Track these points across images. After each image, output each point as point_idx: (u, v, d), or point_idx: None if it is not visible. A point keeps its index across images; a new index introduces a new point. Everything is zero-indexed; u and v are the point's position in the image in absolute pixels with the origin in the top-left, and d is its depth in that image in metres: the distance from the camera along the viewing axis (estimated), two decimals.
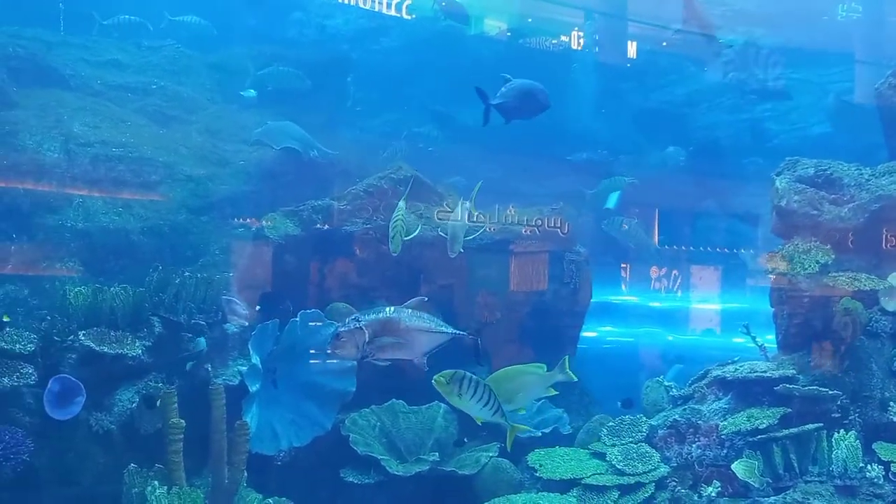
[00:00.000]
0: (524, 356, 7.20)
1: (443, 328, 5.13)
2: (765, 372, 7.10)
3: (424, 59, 11.63)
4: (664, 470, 6.82)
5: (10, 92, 7.81)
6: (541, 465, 6.94)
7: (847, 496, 6.55)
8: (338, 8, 11.84)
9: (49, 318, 6.01)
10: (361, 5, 11.63)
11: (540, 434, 7.39)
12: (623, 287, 11.67)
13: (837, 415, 6.89)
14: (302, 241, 7.67)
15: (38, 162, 7.27)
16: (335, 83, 10.80)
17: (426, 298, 5.24)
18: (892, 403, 6.96)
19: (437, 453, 6.94)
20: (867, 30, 12.32)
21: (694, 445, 6.95)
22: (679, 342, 11.18)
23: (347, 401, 7.01)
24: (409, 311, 5.06)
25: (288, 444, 6.75)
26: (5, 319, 5.84)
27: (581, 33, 12.62)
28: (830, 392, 6.86)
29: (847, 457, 6.62)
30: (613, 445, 7.11)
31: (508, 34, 12.63)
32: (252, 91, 9.91)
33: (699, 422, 7.07)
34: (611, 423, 7.36)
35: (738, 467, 6.62)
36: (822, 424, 6.76)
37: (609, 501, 6.56)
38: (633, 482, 6.70)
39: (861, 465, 6.63)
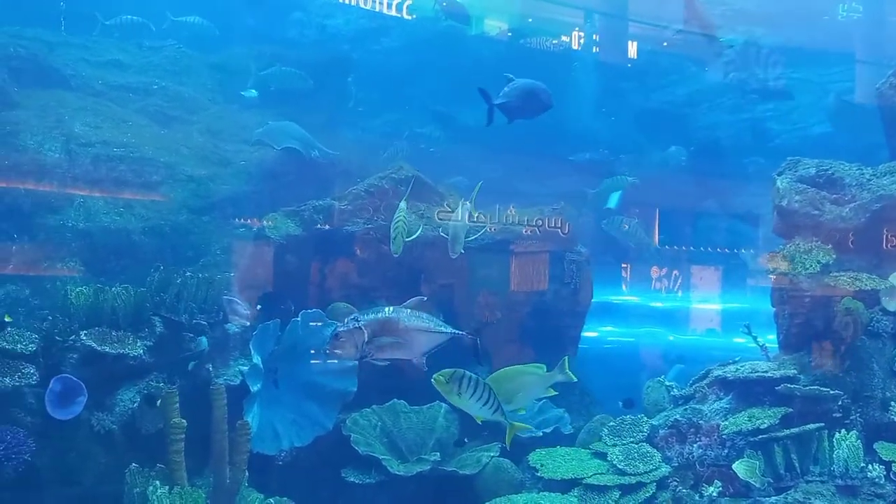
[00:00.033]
0: (525, 356, 7.20)
1: (441, 328, 5.14)
2: (766, 372, 7.10)
3: (425, 59, 11.62)
4: (665, 470, 6.81)
5: (12, 92, 7.81)
6: (542, 465, 6.94)
7: (848, 496, 6.54)
8: (338, 8, 11.83)
9: (50, 317, 6.01)
10: (362, 5, 11.62)
11: (541, 434, 7.38)
12: (624, 287, 11.65)
13: (839, 415, 6.88)
14: (303, 241, 7.67)
15: (40, 162, 7.28)
16: (336, 83, 10.79)
17: (425, 298, 5.25)
18: (893, 403, 6.95)
19: (438, 453, 6.94)
20: (868, 29, 12.29)
21: (695, 445, 6.94)
22: (680, 342, 11.17)
23: (349, 400, 7.01)
24: (408, 310, 5.06)
25: (289, 444, 6.75)
26: (7, 319, 5.83)
27: (582, 33, 12.61)
28: (832, 392, 6.86)
29: (848, 457, 6.61)
30: (614, 445, 7.10)
31: (509, 34, 12.61)
32: (253, 91, 9.90)
33: (700, 422, 7.06)
34: (612, 423, 7.36)
35: (739, 467, 6.61)
36: (823, 424, 6.76)
37: (610, 501, 6.56)
38: (634, 482, 6.69)
39: (862, 464, 6.63)
